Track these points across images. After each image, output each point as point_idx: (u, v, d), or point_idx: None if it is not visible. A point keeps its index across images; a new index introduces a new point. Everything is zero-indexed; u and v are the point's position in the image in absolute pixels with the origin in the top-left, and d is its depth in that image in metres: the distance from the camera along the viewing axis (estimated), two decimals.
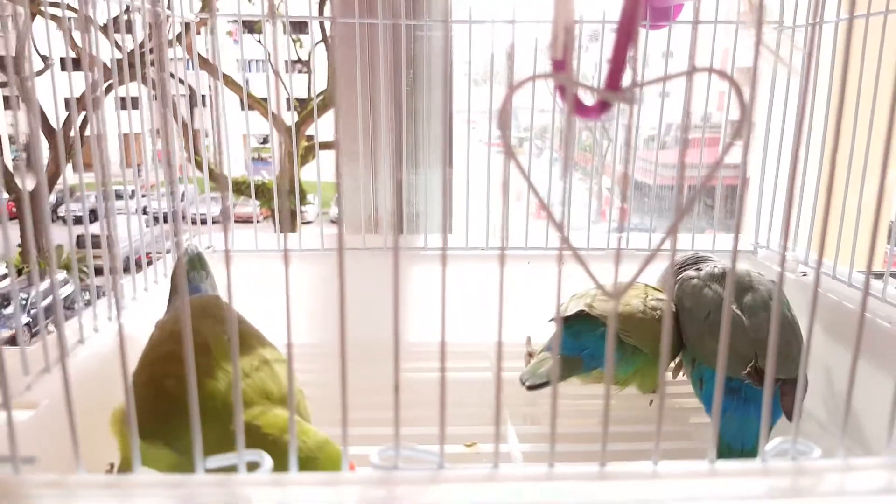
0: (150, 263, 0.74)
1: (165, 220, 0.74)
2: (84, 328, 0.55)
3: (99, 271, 0.60)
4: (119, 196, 0.66)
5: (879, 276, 0.70)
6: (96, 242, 0.59)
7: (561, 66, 0.33)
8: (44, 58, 0.59)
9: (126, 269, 0.68)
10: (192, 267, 0.62)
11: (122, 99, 0.67)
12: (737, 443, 0.59)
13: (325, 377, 0.71)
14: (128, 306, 0.65)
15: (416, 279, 0.81)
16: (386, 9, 0.78)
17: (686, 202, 0.67)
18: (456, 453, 0.62)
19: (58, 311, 0.37)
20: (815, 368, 0.68)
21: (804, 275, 0.76)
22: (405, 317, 0.83)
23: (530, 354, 0.73)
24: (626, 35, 0.31)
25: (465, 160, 0.81)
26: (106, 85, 0.69)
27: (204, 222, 0.84)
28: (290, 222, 0.96)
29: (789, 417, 0.59)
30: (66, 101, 0.55)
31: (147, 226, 0.72)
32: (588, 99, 0.32)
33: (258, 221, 0.85)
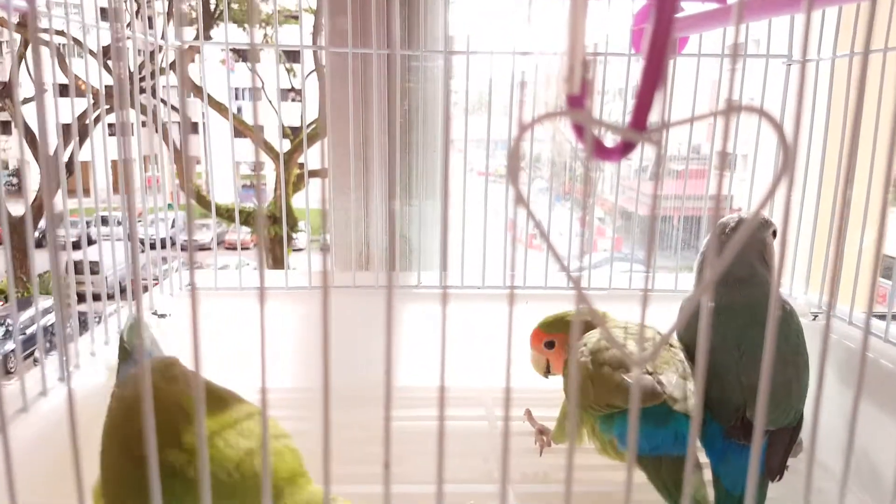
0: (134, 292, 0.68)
1: (153, 247, 0.70)
2: (46, 379, 0.51)
3: (82, 298, 0.56)
4: (107, 222, 0.63)
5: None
6: (81, 269, 0.58)
7: (578, 102, 0.30)
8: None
9: (111, 297, 0.63)
10: (131, 333, 0.53)
11: (111, 125, 0.64)
12: (736, 488, 0.54)
13: (315, 425, 0.66)
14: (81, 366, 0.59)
15: (409, 319, 0.77)
16: (380, 39, 0.75)
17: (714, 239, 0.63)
18: None
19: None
20: (832, 418, 0.64)
21: (815, 318, 0.73)
22: (398, 360, 0.78)
23: (541, 432, 0.66)
24: (654, 73, 0.27)
25: (462, 194, 0.78)
26: (96, 114, 0.66)
27: (203, 248, 0.80)
28: (281, 250, 0.92)
29: (771, 476, 0.55)
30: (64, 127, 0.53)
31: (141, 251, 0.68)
32: (608, 139, 0.29)
33: (247, 248, 0.81)
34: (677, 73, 0.75)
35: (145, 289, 0.70)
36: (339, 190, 0.81)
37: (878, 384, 0.60)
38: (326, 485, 0.29)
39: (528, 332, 0.68)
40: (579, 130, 0.29)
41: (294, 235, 4.75)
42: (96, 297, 0.72)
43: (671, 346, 0.60)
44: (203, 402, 0.27)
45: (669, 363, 0.56)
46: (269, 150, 4.81)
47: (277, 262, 4.64)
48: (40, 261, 0.55)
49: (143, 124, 0.68)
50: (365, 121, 0.80)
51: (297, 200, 4.76)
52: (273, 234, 4.48)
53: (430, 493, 0.28)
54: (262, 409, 0.29)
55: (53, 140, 0.53)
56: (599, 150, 0.29)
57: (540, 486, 0.62)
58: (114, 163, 0.64)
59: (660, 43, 0.27)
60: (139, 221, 0.68)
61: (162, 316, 0.67)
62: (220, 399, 0.45)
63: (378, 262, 0.84)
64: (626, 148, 0.28)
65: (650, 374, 0.55)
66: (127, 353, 0.51)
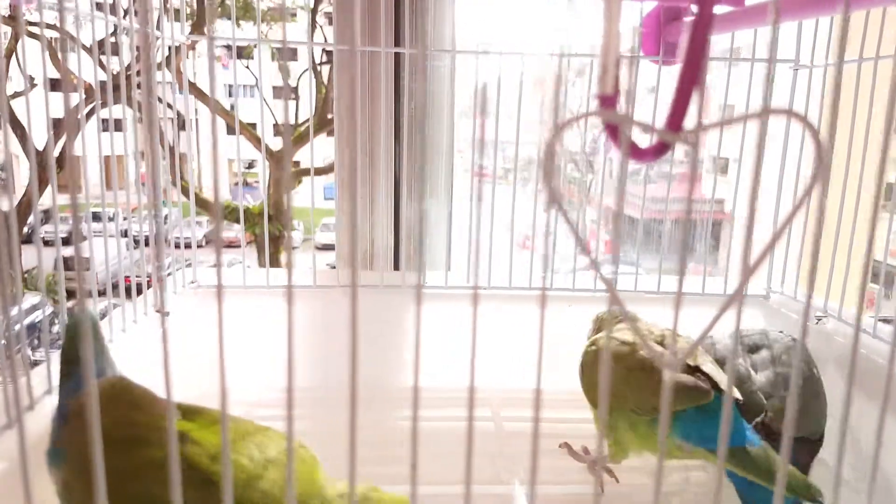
0: (128, 289, 0.67)
1: (147, 244, 0.68)
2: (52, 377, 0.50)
3: (72, 294, 0.55)
4: (99, 218, 0.62)
5: None
6: (71, 265, 0.53)
7: (610, 102, 0.30)
8: (30, 78, 0.55)
9: (102, 294, 0.61)
10: (80, 337, 0.41)
11: (105, 121, 0.63)
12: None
13: (316, 427, 0.66)
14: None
15: (413, 318, 0.77)
16: (388, 38, 0.75)
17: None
18: None
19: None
20: (838, 425, 0.64)
21: (818, 321, 0.73)
22: (403, 359, 0.78)
23: (595, 463, 0.61)
24: (692, 73, 0.27)
25: (474, 195, 0.77)
26: (89, 108, 0.65)
27: (189, 246, 0.79)
28: (275, 247, 0.91)
29: (804, 470, 0.55)
30: (54, 122, 0.51)
31: (128, 249, 0.66)
32: (642, 140, 0.29)
33: (237, 246, 0.80)
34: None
35: (145, 286, 0.69)
36: (346, 188, 0.81)
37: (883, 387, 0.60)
38: (352, 485, 0.28)
39: (532, 333, 0.68)
40: (613, 131, 0.29)
41: (286, 234, 4.72)
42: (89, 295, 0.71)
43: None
44: (227, 441, 0.26)
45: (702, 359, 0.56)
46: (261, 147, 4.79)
47: (272, 260, 4.62)
48: (29, 257, 0.53)
49: (140, 121, 0.68)
50: (372, 119, 0.80)
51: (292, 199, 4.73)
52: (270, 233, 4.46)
53: (441, 493, 0.27)
54: (286, 411, 0.28)
55: (43, 134, 0.52)
56: (633, 152, 0.28)
57: (554, 487, 0.61)
58: (106, 159, 0.63)
59: (699, 43, 0.27)
60: (133, 217, 0.67)
61: (166, 314, 0.67)
62: (213, 421, 0.41)
63: (383, 261, 0.83)
64: (660, 149, 0.28)
65: (693, 369, 0.54)
66: (69, 366, 0.41)
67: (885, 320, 0.70)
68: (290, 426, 0.28)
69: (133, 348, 0.62)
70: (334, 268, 0.88)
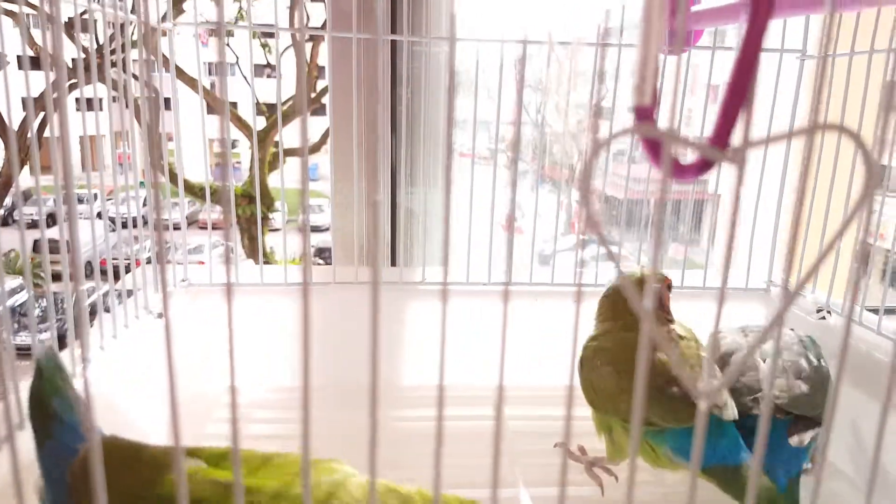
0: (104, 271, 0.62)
1: (125, 226, 0.65)
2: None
3: (57, 277, 0.51)
4: (80, 200, 0.59)
5: None
6: (54, 248, 0.50)
7: (648, 114, 0.28)
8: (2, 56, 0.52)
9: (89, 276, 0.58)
10: (53, 389, 0.36)
11: (78, 100, 0.60)
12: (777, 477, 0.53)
13: (316, 428, 0.64)
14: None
15: (413, 316, 0.75)
16: (385, 23, 0.72)
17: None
18: None
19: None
20: (841, 420, 0.64)
21: (822, 318, 0.72)
22: (400, 358, 0.76)
23: (592, 464, 0.61)
24: (742, 87, 0.25)
25: (468, 188, 0.75)
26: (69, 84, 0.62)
27: (178, 228, 0.76)
28: (256, 230, 0.89)
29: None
30: (24, 102, 0.48)
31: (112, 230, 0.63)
32: (685, 156, 0.27)
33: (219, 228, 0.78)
34: (680, 71, 0.73)
35: (134, 280, 0.66)
36: (343, 174, 0.78)
37: (883, 380, 0.60)
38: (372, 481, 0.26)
39: (539, 329, 0.67)
40: (651, 147, 0.27)
41: (271, 216, 4.66)
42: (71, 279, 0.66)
43: (682, 337, 0.59)
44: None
45: (695, 365, 0.55)
46: (244, 126, 4.70)
47: (252, 242, 4.56)
48: (7, 239, 0.50)
49: (114, 100, 0.65)
50: (367, 109, 0.77)
51: (273, 180, 4.66)
52: (249, 214, 4.39)
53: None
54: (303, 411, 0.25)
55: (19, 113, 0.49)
56: (674, 169, 0.27)
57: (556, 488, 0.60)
58: (81, 139, 0.61)
59: (751, 55, 0.25)
60: (109, 199, 0.63)
61: (159, 316, 0.64)
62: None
63: (382, 256, 0.81)
64: (703, 166, 0.26)
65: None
66: (47, 423, 0.35)
67: (874, 310, 0.70)
68: (305, 443, 0.27)
69: (126, 356, 0.59)
70: (324, 256, 0.85)
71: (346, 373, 0.59)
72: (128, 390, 0.58)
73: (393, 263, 0.83)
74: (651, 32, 0.27)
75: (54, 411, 0.35)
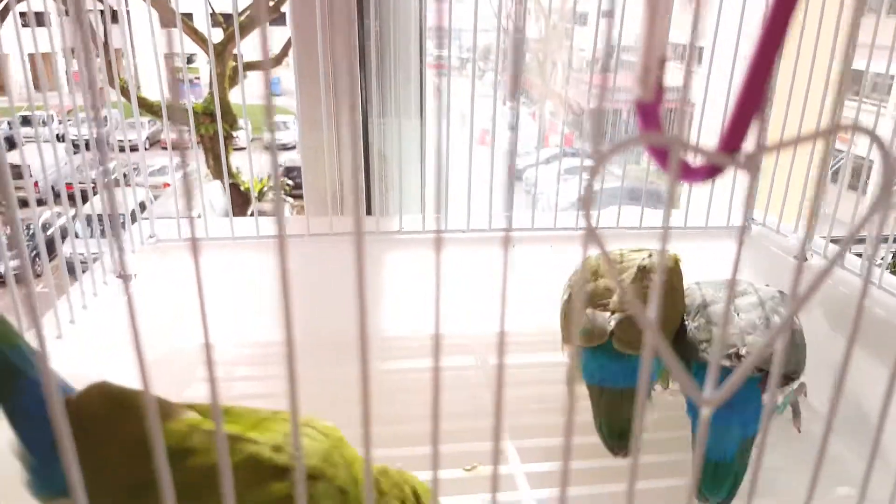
0: (71, 196, 0.59)
1: (87, 148, 0.61)
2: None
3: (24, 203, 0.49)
4: (30, 122, 0.55)
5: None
6: (17, 174, 0.47)
7: (651, 110, 0.25)
8: None
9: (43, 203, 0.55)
10: (8, 342, 0.35)
11: (23, 14, 0.56)
12: (714, 454, 0.53)
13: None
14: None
15: (391, 267, 0.73)
16: None
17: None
18: (456, 479, 0.56)
19: None
20: (821, 366, 0.65)
21: (805, 260, 0.73)
22: (381, 309, 0.75)
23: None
24: (757, 91, 0.23)
25: (444, 134, 0.71)
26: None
27: (134, 149, 0.72)
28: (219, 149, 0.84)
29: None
30: None
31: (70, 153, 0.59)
32: (693, 160, 0.25)
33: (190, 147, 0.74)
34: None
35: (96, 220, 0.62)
36: (311, 125, 0.74)
37: (870, 330, 0.61)
38: (367, 456, 0.25)
39: (521, 277, 0.66)
40: (657, 149, 0.25)
41: (235, 134, 4.49)
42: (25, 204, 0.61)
43: (622, 262, 0.62)
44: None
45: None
46: (200, 39, 4.42)
47: (217, 161, 4.41)
48: None
49: (66, 13, 0.59)
50: (333, 46, 0.72)
51: (234, 96, 4.46)
52: (212, 133, 4.22)
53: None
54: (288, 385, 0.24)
55: None
56: (683, 172, 0.25)
57: (542, 440, 0.61)
58: (31, 56, 0.56)
59: (768, 58, 0.22)
60: (69, 120, 0.59)
61: (128, 277, 0.61)
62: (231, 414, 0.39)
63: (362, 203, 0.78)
64: (713, 171, 0.24)
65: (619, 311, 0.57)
66: (13, 381, 0.34)
67: (835, 240, 0.70)
68: (294, 403, 0.26)
69: (98, 326, 0.57)
70: (291, 175, 0.81)
71: (324, 327, 0.58)
72: (100, 358, 0.57)
73: (368, 212, 0.80)
74: (655, 20, 0.24)
75: (14, 366, 0.34)
